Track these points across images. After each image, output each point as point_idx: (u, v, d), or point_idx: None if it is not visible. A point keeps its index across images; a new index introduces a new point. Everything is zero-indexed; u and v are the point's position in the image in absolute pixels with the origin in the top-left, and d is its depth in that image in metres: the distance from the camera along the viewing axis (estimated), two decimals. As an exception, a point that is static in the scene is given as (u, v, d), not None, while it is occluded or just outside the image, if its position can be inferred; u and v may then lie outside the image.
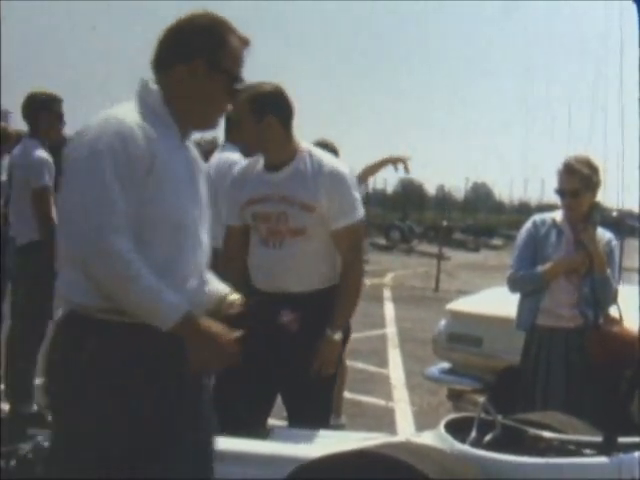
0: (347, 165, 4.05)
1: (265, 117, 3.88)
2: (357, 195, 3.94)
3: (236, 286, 4.10)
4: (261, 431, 3.47)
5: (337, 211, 3.87)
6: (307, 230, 3.86)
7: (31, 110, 6.33)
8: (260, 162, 4.03)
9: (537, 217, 5.11)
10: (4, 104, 6.60)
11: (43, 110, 6.29)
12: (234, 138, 5.58)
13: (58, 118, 6.38)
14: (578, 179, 4.88)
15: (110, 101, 2.66)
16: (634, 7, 2.67)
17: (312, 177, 3.87)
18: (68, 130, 6.56)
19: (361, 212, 3.96)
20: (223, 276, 4.19)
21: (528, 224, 5.08)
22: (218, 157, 5.63)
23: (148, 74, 2.73)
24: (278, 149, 3.93)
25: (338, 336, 3.90)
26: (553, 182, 5.00)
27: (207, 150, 6.11)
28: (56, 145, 6.62)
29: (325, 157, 3.97)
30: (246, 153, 4.79)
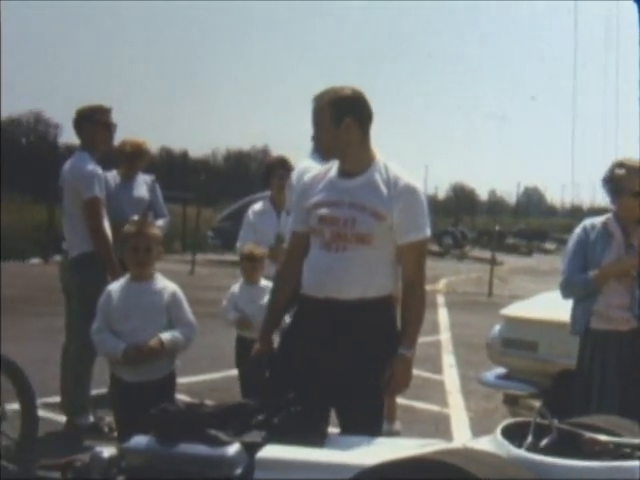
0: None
1: (344, 120, 3.86)
2: (427, 214, 3.91)
3: (288, 292, 4.14)
4: (317, 439, 3.47)
5: (406, 225, 3.84)
6: (373, 238, 3.82)
7: (76, 124, 6.45)
8: (333, 170, 3.99)
9: (587, 222, 5.09)
10: (55, 117, 6.72)
11: (85, 122, 6.39)
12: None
13: (103, 128, 6.43)
14: None
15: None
16: (634, 7, 2.66)
17: (386, 188, 3.84)
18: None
19: (429, 231, 3.93)
20: (278, 280, 4.23)
21: (578, 229, 5.07)
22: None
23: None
24: (355, 154, 3.91)
25: (411, 354, 3.87)
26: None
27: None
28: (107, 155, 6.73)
29: (401, 171, 3.93)
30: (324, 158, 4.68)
